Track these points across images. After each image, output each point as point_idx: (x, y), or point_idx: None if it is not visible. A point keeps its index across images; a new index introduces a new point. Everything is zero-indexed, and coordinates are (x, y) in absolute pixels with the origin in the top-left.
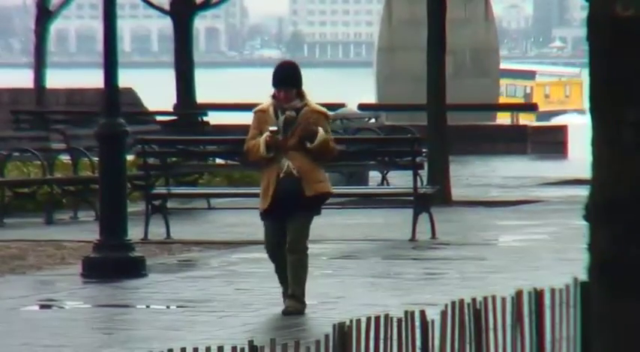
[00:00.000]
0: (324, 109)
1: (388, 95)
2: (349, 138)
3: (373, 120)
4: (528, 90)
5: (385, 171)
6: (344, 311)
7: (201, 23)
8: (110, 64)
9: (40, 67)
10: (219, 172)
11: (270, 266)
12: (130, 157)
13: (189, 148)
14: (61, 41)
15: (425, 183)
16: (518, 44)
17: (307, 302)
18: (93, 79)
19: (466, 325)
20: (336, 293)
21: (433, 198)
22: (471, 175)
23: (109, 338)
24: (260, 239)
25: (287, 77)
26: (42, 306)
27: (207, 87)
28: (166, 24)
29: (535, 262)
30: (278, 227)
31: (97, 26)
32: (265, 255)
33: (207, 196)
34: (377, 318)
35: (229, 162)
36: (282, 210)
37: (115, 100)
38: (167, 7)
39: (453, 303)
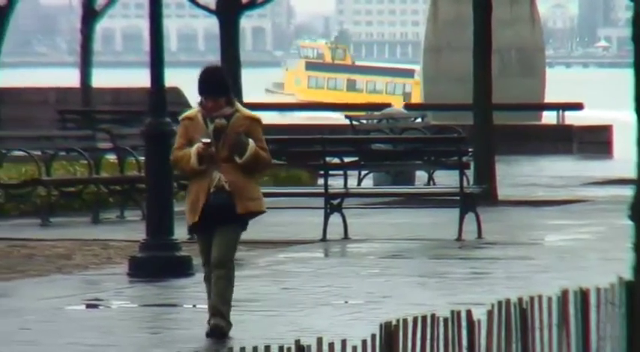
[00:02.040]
0: (256, 115)
1: (434, 95)
2: (395, 138)
3: (419, 120)
4: (408, 89)
5: (431, 171)
6: (390, 311)
7: (247, 22)
8: (156, 64)
9: (86, 66)
10: (265, 172)
11: (316, 265)
12: None
13: None
14: (107, 40)
15: (471, 182)
16: (563, 44)
17: (354, 301)
18: (139, 78)
19: (512, 324)
20: (383, 293)
21: (479, 197)
22: (516, 175)
23: (155, 338)
24: (306, 238)
25: (214, 85)
26: (88, 306)
27: (254, 86)
28: (213, 23)
29: (581, 262)
30: (209, 244)
31: (143, 25)
32: (312, 254)
33: None
34: (423, 318)
35: (276, 161)
36: (211, 225)
37: (161, 99)
38: (213, 6)
39: (500, 303)
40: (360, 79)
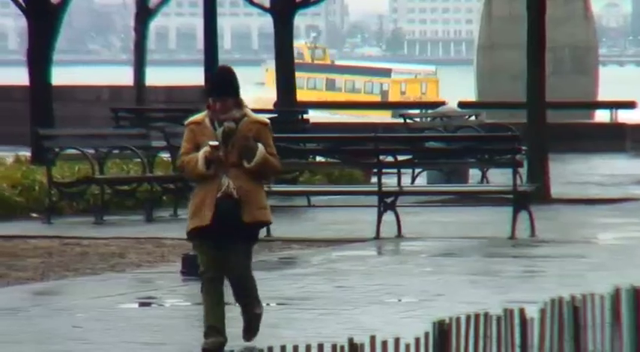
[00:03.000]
0: (265, 119)
1: (488, 93)
2: (449, 136)
3: (473, 118)
4: (385, 88)
5: (485, 169)
6: (443, 309)
7: (301, 21)
8: (210, 62)
9: (140, 64)
10: (319, 170)
11: (370, 263)
12: None
13: (290, 146)
14: (161, 39)
15: (524, 180)
16: (616, 43)
17: (407, 299)
18: (192, 76)
19: (565, 323)
20: (436, 291)
21: (532, 195)
22: (569, 173)
23: None
24: (359, 236)
25: (223, 85)
26: (141, 304)
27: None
28: (267, 22)
29: (634, 260)
30: (214, 254)
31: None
32: (365, 252)
33: (308, 194)
34: (476, 316)
35: (329, 159)
36: (218, 234)
37: None
38: (268, 4)
39: (552, 301)
40: (339, 79)
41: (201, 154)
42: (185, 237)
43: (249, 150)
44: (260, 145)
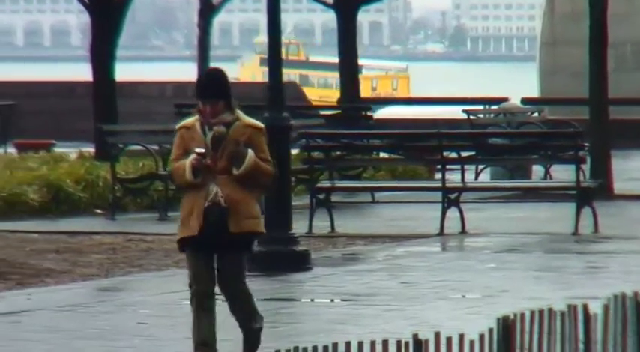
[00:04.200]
0: (258, 123)
1: (550, 89)
2: (512, 132)
3: (536, 115)
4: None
5: (548, 165)
6: (507, 305)
7: (364, 17)
8: (274, 58)
9: (203, 60)
10: (383, 166)
11: (434, 259)
12: (294, 151)
13: (354, 142)
14: (224, 35)
15: (587, 177)
16: None
17: (471, 295)
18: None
19: (628, 318)
20: (500, 287)
21: (595, 191)
22: (632, 169)
23: (273, 332)
24: (423, 232)
25: (212, 87)
26: None
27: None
28: (330, 18)
29: None
30: (205, 266)
31: (261, 20)
32: (429, 248)
33: (371, 190)
34: (540, 312)
35: (393, 155)
36: (207, 245)
37: (279, 94)
38: (331, 0)
39: (616, 297)
40: (312, 74)
41: (188, 162)
42: None
43: (239, 156)
44: (250, 151)
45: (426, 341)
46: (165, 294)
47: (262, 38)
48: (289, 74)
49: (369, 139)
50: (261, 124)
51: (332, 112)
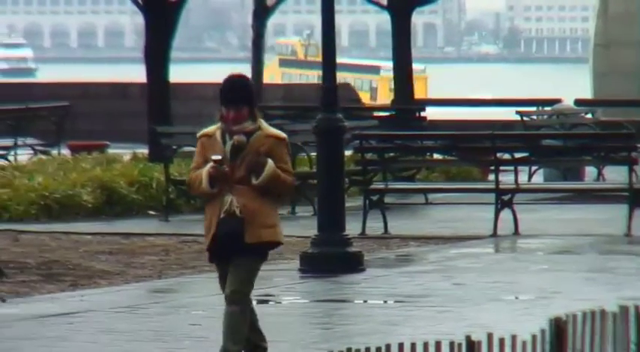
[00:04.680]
0: (281, 134)
1: (603, 90)
2: (565, 134)
3: (589, 116)
4: (374, 85)
5: (601, 167)
6: (560, 306)
7: (418, 18)
8: (328, 60)
9: (257, 62)
10: (436, 167)
11: (487, 260)
12: (347, 152)
13: (407, 143)
14: (279, 36)
15: None
16: None
17: (524, 296)
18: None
19: None
20: (552, 288)
21: None
22: None
23: (326, 333)
24: (476, 233)
25: (237, 92)
26: (259, 301)
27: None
28: (384, 19)
29: None
30: (223, 276)
31: (314, 21)
32: (482, 249)
33: (425, 191)
34: (592, 313)
35: (446, 157)
36: (224, 254)
37: (333, 95)
38: (385, 2)
39: None
40: None
41: (205, 171)
42: (303, 234)
43: (258, 166)
44: (270, 160)
45: (479, 342)
46: (218, 296)
47: (283, 39)
48: (308, 75)
49: (422, 140)
50: (283, 135)
51: (386, 114)
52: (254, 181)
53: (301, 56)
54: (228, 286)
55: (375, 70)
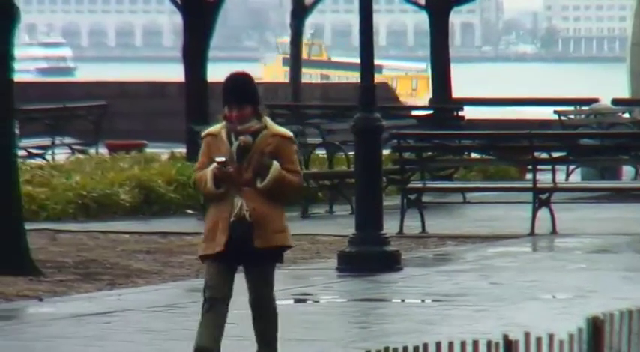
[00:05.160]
0: (287, 132)
1: None
2: (603, 133)
3: (627, 115)
4: None
5: (638, 166)
6: (597, 305)
7: (456, 18)
8: (366, 59)
9: (296, 61)
10: (474, 166)
11: (524, 259)
12: (385, 152)
13: (445, 142)
14: (317, 36)
15: None
16: None
17: (561, 295)
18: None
19: None
20: (590, 287)
21: None
22: None
23: (364, 332)
24: (514, 232)
25: (240, 91)
26: (297, 300)
27: (463, 81)
28: (422, 19)
29: None
30: (226, 276)
31: (353, 20)
32: (520, 248)
33: (463, 190)
34: (630, 312)
35: (484, 156)
36: (233, 259)
37: (370, 95)
38: (423, 1)
39: None
40: (334, 74)
41: (209, 171)
42: (340, 233)
43: (263, 168)
44: (275, 162)
45: (516, 341)
46: None
47: (285, 38)
48: (311, 74)
49: (460, 140)
50: (289, 133)
51: (423, 113)
52: (258, 185)
53: (305, 55)
54: (252, 293)
55: (378, 69)
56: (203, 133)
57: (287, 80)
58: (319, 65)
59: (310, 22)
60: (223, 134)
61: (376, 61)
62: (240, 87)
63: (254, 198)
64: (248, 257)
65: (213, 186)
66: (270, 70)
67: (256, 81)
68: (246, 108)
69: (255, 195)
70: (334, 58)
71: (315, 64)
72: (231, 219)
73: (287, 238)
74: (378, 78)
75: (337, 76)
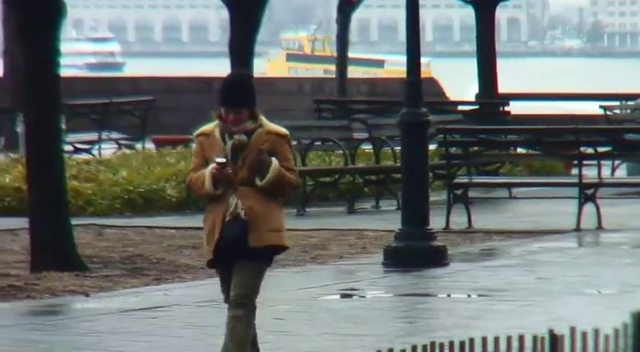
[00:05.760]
0: (282, 130)
1: None
2: None
3: None
4: None
5: None
6: None
7: (502, 13)
8: (413, 54)
9: (341, 56)
10: (520, 161)
11: (570, 254)
12: (432, 147)
13: (491, 138)
14: (363, 31)
15: None
16: None
17: (607, 291)
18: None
19: None
20: (636, 282)
21: None
22: None
23: (410, 327)
24: (560, 227)
25: (237, 95)
26: (343, 295)
27: (509, 76)
28: (468, 13)
29: None
30: (226, 280)
31: (399, 15)
32: (566, 243)
33: (509, 185)
34: None
35: (530, 151)
36: (228, 258)
37: (417, 90)
38: None
39: None
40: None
41: (207, 172)
42: (386, 228)
43: (263, 166)
44: (274, 160)
45: (562, 336)
46: (303, 290)
47: (290, 34)
48: (314, 69)
49: (506, 135)
50: (285, 131)
51: (470, 108)
52: (258, 183)
53: (308, 51)
54: (233, 290)
55: (380, 63)
56: (195, 133)
57: (291, 75)
58: (322, 60)
59: (356, 16)
60: (217, 133)
61: (378, 56)
62: (238, 89)
63: (250, 197)
64: (242, 256)
65: (212, 188)
66: (274, 66)
67: (262, 76)
68: (242, 112)
69: (252, 194)
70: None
71: (319, 59)
72: (227, 218)
73: (282, 238)
74: (379, 72)
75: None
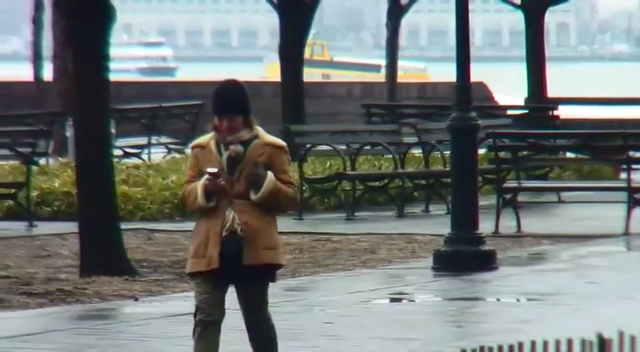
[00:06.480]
0: (279, 141)
1: None
2: None
3: None
4: None
5: None
6: None
7: (551, 17)
8: (462, 59)
9: (391, 61)
10: (569, 166)
11: (619, 258)
12: (481, 151)
13: (540, 142)
14: (412, 35)
15: None
16: None
17: None
18: (444, 72)
19: None
20: None
21: None
22: None
23: (459, 331)
24: (608, 232)
25: (230, 101)
26: (392, 300)
27: (558, 81)
28: (517, 18)
29: None
30: (218, 296)
31: (449, 20)
32: (614, 247)
33: (558, 190)
34: None
35: (579, 155)
36: (224, 277)
37: (467, 94)
38: (519, 1)
39: None
40: (334, 74)
41: (200, 185)
42: (436, 233)
43: (257, 179)
44: (270, 173)
45: (610, 340)
46: (352, 294)
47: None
48: (312, 73)
49: (555, 139)
50: (282, 142)
51: (519, 112)
52: (252, 197)
53: (307, 55)
54: (247, 314)
55: (376, 68)
56: (191, 145)
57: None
58: (321, 65)
59: (406, 21)
60: (212, 145)
61: (374, 61)
62: (231, 96)
63: (246, 211)
64: (238, 275)
65: (204, 200)
66: (272, 69)
67: (261, 80)
68: (236, 118)
69: (249, 208)
70: (336, 58)
71: (317, 63)
72: (224, 234)
73: (277, 256)
74: (376, 76)
75: (339, 76)
